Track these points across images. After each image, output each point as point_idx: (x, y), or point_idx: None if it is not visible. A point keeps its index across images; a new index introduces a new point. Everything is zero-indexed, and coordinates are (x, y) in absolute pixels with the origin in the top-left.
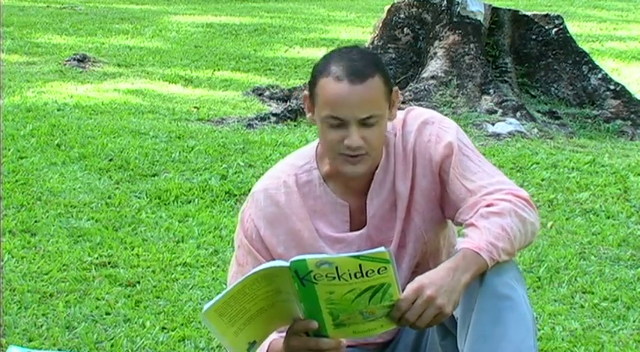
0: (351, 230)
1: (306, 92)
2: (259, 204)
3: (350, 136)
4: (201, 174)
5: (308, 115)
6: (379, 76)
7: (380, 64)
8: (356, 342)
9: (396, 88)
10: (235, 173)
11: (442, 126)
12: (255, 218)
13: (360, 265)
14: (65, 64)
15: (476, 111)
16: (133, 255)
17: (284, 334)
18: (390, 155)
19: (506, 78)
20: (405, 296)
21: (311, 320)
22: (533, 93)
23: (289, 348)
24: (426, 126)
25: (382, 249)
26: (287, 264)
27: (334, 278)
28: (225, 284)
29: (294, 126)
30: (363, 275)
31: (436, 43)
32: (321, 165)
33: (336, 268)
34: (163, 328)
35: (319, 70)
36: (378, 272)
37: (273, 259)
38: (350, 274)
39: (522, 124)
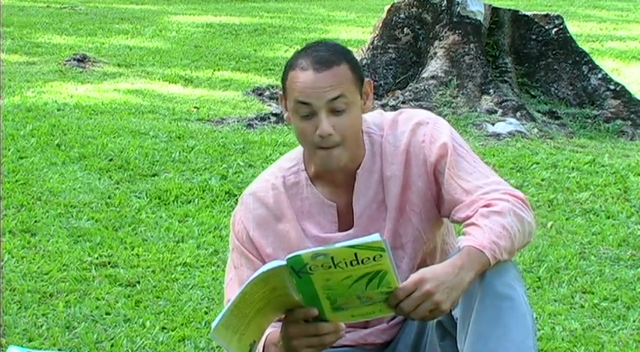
0: (340, 230)
1: (281, 92)
2: (248, 207)
3: (320, 124)
4: (201, 174)
5: (285, 115)
6: (346, 64)
7: (348, 55)
8: (356, 342)
9: (368, 79)
10: (235, 173)
11: (436, 127)
12: (245, 220)
13: (355, 254)
14: (65, 64)
15: (476, 111)
16: (133, 255)
17: (278, 325)
18: (376, 155)
19: (506, 78)
20: (404, 285)
21: (310, 308)
22: (533, 93)
23: (287, 336)
24: (420, 127)
25: (377, 236)
26: (284, 262)
27: (330, 266)
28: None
29: None
30: (359, 263)
31: (436, 43)
32: (308, 167)
33: (332, 258)
34: (163, 328)
35: (288, 66)
36: (374, 259)
37: (264, 259)
38: (346, 262)
39: (522, 124)
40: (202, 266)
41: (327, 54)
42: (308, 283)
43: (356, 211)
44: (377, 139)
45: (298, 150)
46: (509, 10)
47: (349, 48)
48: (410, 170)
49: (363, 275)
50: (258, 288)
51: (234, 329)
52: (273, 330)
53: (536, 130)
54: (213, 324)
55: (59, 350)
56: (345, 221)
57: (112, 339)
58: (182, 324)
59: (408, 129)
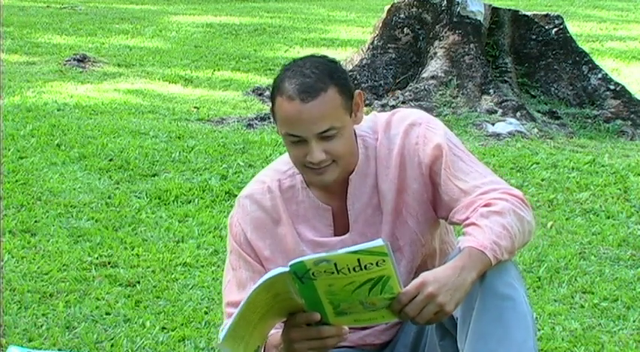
0: (336, 234)
1: (271, 105)
2: (246, 209)
3: (311, 152)
4: (201, 174)
5: (277, 129)
6: (333, 88)
7: (335, 74)
8: (355, 343)
9: (358, 91)
10: (235, 173)
11: (429, 128)
12: (242, 222)
13: (358, 259)
14: (65, 64)
15: (476, 111)
16: (133, 255)
17: (279, 327)
18: (370, 158)
19: (506, 78)
20: (406, 290)
21: (313, 312)
22: (533, 93)
23: (289, 339)
24: (412, 128)
25: (380, 241)
26: (286, 269)
27: (333, 272)
28: None
29: None
30: (362, 269)
31: (436, 43)
32: None
33: (335, 264)
34: (163, 328)
35: (275, 87)
36: (377, 264)
37: (261, 261)
38: (349, 268)
39: (522, 124)
40: (202, 267)
41: (313, 79)
42: (311, 288)
43: (351, 215)
44: (371, 143)
45: None
46: (509, 10)
47: (348, 47)
48: (405, 173)
49: (366, 281)
50: (262, 295)
51: (240, 338)
52: (274, 332)
53: (536, 130)
54: (220, 336)
55: (59, 350)
56: (341, 225)
57: (112, 339)
58: (182, 324)
59: (400, 132)
